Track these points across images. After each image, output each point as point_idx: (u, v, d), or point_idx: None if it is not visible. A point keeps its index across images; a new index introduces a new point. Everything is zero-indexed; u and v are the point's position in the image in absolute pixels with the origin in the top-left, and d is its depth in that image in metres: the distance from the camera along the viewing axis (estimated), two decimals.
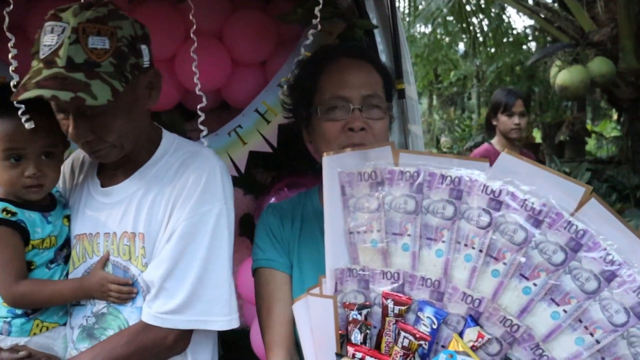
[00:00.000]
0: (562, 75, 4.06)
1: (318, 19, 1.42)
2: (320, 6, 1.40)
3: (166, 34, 2.09)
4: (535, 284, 0.90)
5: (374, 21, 1.95)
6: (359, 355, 0.93)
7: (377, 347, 0.97)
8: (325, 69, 1.29)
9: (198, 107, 1.60)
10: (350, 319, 0.97)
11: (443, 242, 0.95)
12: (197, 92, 1.71)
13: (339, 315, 1.00)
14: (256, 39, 2.18)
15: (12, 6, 1.59)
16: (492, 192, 0.92)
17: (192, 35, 1.63)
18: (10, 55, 1.59)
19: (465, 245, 0.94)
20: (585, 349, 0.88)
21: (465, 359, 0.87)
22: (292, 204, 1.38)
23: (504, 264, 0.91)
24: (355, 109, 1.23)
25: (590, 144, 9.08)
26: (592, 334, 0.88)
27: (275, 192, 2.28)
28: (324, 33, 2.06)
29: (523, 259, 0.90)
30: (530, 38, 7.78)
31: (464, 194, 0.94)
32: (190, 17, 1.62)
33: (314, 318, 1.01)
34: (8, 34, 1.57)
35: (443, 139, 10.56)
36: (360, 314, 0.97)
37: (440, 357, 0.88)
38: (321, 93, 1.28)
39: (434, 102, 12.29)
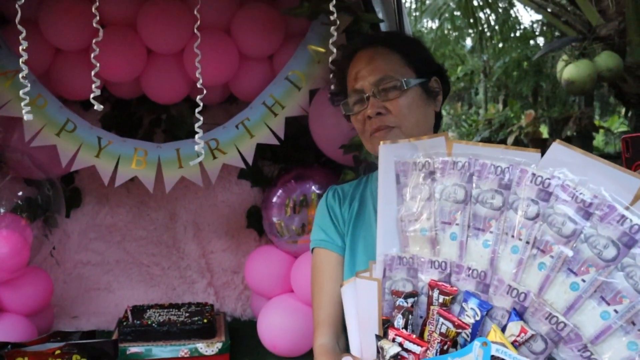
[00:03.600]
0: (568, 70, 4.03)
1: (335, 15, 1.44)
2: (334, 1, 1.42)
3: (175, 28, 2.11)
4: (583, 280, 0.85)
5: (380, 15, 1.96)
6: (398, 339, 0.93)
7: (421, 335, 0.96)
8: (347, 70, 1.36)
9: (198, 98, 1.62)
10: (396, 305, 0.98)
11: (491, 232, 0.92)
12: (199, 86, 1.73)
13: (387, 302, 1.00)
14: (263, 33, 2.19)
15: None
16: (542, 182, 0.89)
17: (195, 31, 1.65)
18: (21, 48, 1.63)
19: (512, 236, 0.91)
20: (639, 354, 0.82)
21: (500, 349, 0.83)
22: (352, 187, 1.42)
23: (551, 257, 0.87)
24: (370, 97, 1.27)
25: (598, 139, 9.02)
26: None
27: (283, 184, 2.30)
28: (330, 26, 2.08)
29: (571, 253, 0.86)
30: (537, 33, 7.74)
31: (514, 184, 0.92)
32: (195, 12, 1.64)
33: (360, 300, 1.02)
34: (19, 27, 1.60)
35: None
36: (406, 301, 0.97)
37: (475, 344, 0.85)
38: (348, 92, 1.35)
39: None
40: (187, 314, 2.20)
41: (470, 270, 0.94)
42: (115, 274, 2.63)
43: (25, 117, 1.61)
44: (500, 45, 7.28)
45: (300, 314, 2.17)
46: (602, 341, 0.84)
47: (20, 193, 2.23)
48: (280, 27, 2.21)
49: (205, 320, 2.13)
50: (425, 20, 8.05)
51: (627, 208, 0.84)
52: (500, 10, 6.79)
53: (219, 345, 2.08)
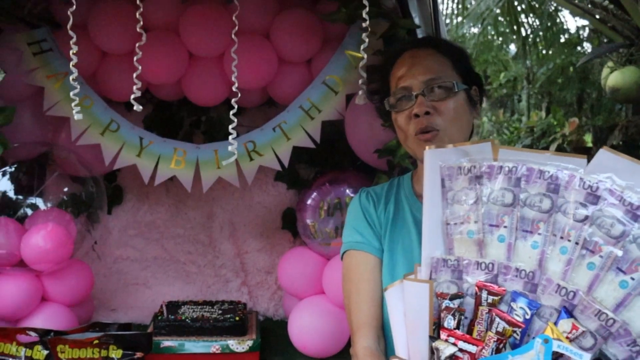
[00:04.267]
0: (613, 77, 3.94)
1: (367, 22, 1.47)
2: (367, 9, 1.45)
3: (215, 32, 2.17)
4: (632, 278, 0.88)
5: (417, 21, 1.97)
6: (451, 339, 0.95)
7: (469, 335, 0.97)
8: (392, 68, 1.35)
9: (233, 100, 1.67)
10: (443, 307, 0.99)
11: (539, 234, 0.95)
12: (234, 89, 1.78)
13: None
14: (302, 37, 2.23)
15: (75, 6, 1.70)
16: (590, 186, 0.92)
17: (233, 36, 1.70)
18: (71, 52, 1.72)
19: (561, 237, 0.93)
20: None
21: (562, 345, 0.86)
22: (384, 189, 1.41)
23: (600, 256, 0.90)
24: (418, 95, 1.26)
25: None
26: None
27: (317, 187, 2.33)
28: (369, 32, 2.10)
29: (620, 253, 0.89)
30: (584, 38, 7.56)
31: (561, 188, 0.94)
32: (233, 18, 1.69)
33: (408, 302, 1.03)
34: (70, 32, 1.69)
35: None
36: (452, 303, 0.99)
37: (536, 341, 0.87)
38: (392, 90, 1.34)
39: (484, 103, 12.07)
40: (220, 311, 2.25)
41: (518, 271, 0.96)
42: (152, 270, 2.71)
43: (76, 117, 1.70)
44: (545, 51, 7.15)
45: (331, 315, 2.19)
46: None
47: (65, 189, 2.33)
48: (319, 32, 2.24)
49: (237, 318, 2.17)
50: (468, 26, 7.98)
51: None
52: (544, 16, 6.66)
53: (250, 343, 2.12)
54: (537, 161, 0.97)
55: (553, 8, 6.69)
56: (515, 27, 6.71)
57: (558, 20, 6.91)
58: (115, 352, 1.94)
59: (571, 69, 7.50)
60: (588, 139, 7.66)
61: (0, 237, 2.11)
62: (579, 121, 7.44)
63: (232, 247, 2.73)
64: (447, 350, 0.94)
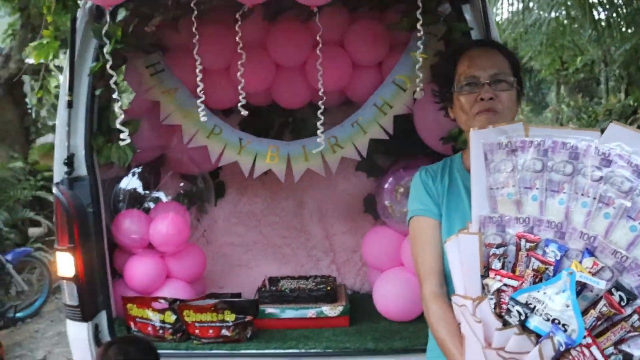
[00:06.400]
0: None
1: (422, 33, 1.77)
2: (421, 22, 1.75)
3: (298, 45, 2.54)
4: None
5: (472, 24, 2.24)
6: (498, 277, 1.19)
7: (512, 273, 1.21)
8: (460, 58, 1.62)
9: (320, 102, 1.99)
10: (491, 254, 1.23)
11: (564, 193, 1.15)
12: (320, 94, 2.10)
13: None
14: (373, 44, 2.56)
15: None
16: (603, 153, 1.13)
17: (318, 52, 2.02)
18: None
19: (582, 195, 1.16)
20: None
21: (582, 275, 1.09)
22: (440, 166, 1.69)
23: (614, 208, 1.10)
24: (485, 84, 1.53)
25: None
26: None
27: (393, 173, 2.64)
28: (430, 35, 2.39)
29: (629, 204, 1.09)
30: None
31: (580, 156, 1.18)
32: (318, 37, 2.02)
33: (463, 252, 1.28)
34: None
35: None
36: (498, 250, 1.24)
37: (563, 274, 1.11)
38: (458, 76, 1.60)
39: (562, 90, 11.85)
40: (313, 283, 2.62)
41: (549, 223, 1.21)
42: (253, 254, 3.13)
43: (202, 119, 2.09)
44: (621, 32, 7.02)
45: (409, 284, 2.48)
46: None
47: (181, 184, 2.78)
48: (386, 39, 2.56)
49: (329, 288, 2.53)
50: (538, 12, 7.95)
51: None
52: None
53: (341, 308, 2.47)
54: (560, 135, 1.23)
55: None
56: (587, 10, 6.65)
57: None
58: (230, 316, 2.34)
59: None
60: None
61: (134, 225, 2.58)
62: None
63: (321, 230, 3.09)
64: (494, 285, 1.20)
